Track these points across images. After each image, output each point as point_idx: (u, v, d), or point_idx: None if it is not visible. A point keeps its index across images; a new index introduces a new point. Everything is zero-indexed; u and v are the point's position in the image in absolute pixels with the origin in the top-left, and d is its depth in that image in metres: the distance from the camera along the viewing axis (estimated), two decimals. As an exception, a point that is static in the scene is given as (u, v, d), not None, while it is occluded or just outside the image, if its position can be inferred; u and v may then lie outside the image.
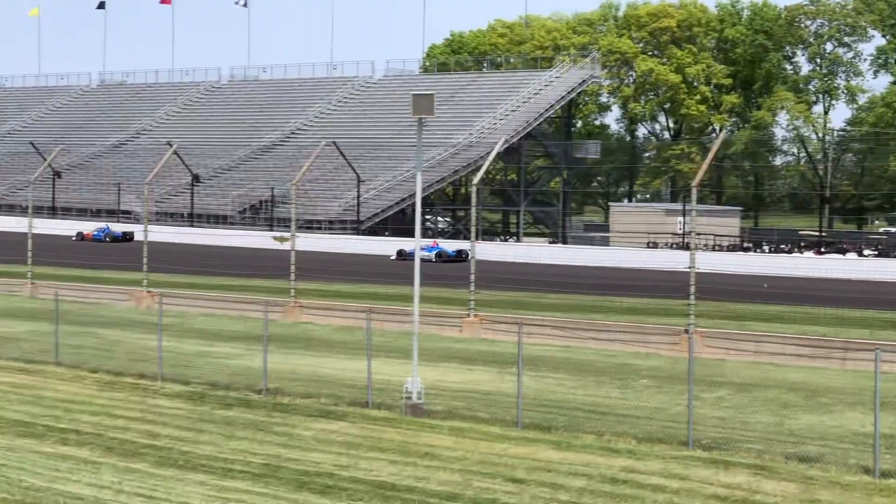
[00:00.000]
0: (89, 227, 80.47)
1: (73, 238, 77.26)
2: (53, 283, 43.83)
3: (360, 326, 32.27)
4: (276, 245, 65.12)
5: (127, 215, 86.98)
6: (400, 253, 65.85)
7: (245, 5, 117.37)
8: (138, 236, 56.64)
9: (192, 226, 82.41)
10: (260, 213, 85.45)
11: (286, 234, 43.08)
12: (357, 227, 77.78)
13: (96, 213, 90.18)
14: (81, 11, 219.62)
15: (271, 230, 77.79)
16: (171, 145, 50.81)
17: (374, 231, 78.07)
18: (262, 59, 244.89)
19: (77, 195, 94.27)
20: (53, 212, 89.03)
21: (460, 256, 62.55)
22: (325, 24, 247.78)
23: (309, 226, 76.00)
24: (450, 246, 68.15)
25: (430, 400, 22.21)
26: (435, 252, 65.75)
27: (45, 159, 59.36)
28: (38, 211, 71.89)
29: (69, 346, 29.28)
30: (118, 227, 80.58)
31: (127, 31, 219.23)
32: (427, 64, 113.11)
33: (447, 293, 41.28)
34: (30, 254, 44.86)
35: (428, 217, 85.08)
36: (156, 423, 21.08)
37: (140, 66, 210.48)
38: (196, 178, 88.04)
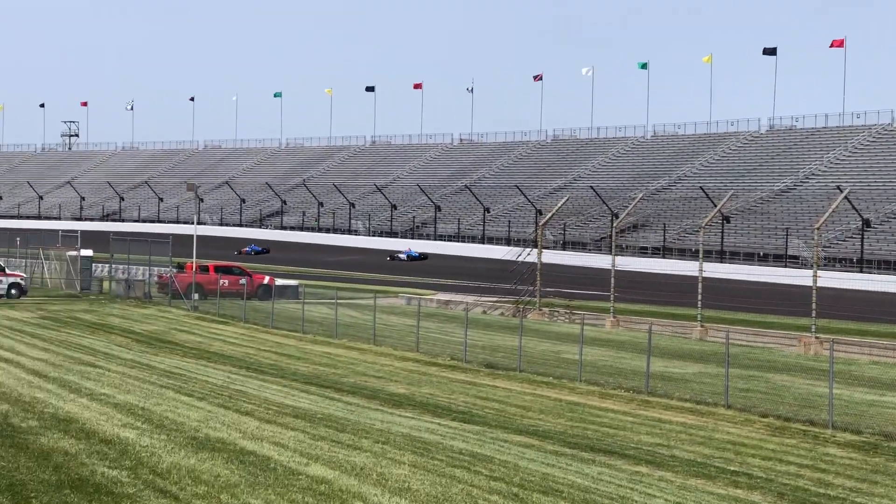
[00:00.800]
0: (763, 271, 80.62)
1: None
2: (722, 326, 44.52)
3: None
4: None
5: (794, 260, 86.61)
6: (392, 256, 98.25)
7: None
8: (800, 281, 55.98)
9: (860, 272, 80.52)
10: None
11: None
12: None
13: (763, 258, 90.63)
14: (752, 57, 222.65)
15: (946, 277, 74.23)
16: (841, 190, 50.02)
17: None
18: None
19: (744, 239, 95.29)
20: (722, 256, 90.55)
21: (422, 257, 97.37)
22: None
23: None
24: (416, 249, 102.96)
25: None
26: (408, 255, 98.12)
27: (715, 204, 60.53)
28: (707, 255, 73.48)
29: (738, 389, 29.58)
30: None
31: (797, 75, 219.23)
32: None
33: None
34: (699, 297, 45.90)
35: None
36: (827, 471, 20.71)
37: (809, 109, 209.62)
38: (866, 223, 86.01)
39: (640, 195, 74.87)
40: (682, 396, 29.07)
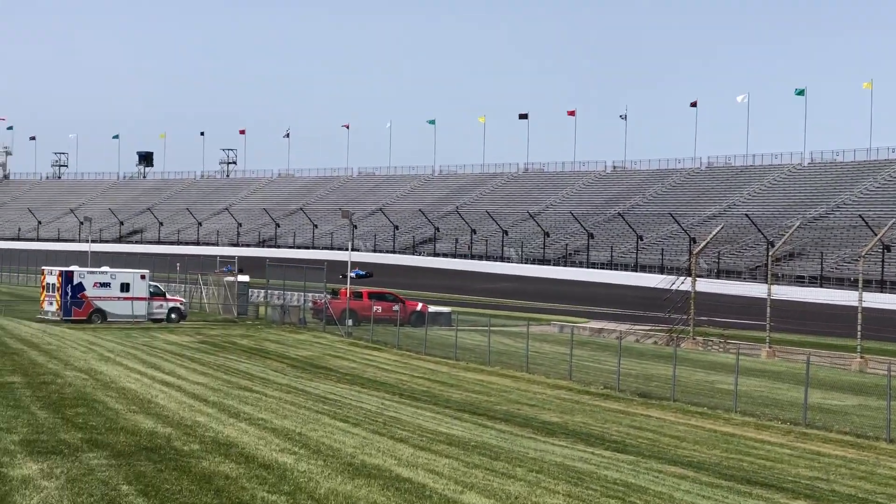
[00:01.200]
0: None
1: None
2: (883, 357, 43.43)
3: None
4: None
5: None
6: (343, 275, 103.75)
7: None
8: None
9: None
10: None
11: None
12: None
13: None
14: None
15: None
16: None
17: None
18: None
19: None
20: (882, 286, 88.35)
21: (367, 275, 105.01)
22: None
23: None
24: (361, 269, 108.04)
25: None
26: (356, 273, 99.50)
27: (876, 233, 59.22)
28: (867, 284, 71.73)
29: (901, 423, 28.82)
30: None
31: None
32: None
33: None
34: (859, 328, 44.87)
35: None
36: None
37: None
38: None
39: (797, 223, 73.64)
40: (842, 429, 28.45)
